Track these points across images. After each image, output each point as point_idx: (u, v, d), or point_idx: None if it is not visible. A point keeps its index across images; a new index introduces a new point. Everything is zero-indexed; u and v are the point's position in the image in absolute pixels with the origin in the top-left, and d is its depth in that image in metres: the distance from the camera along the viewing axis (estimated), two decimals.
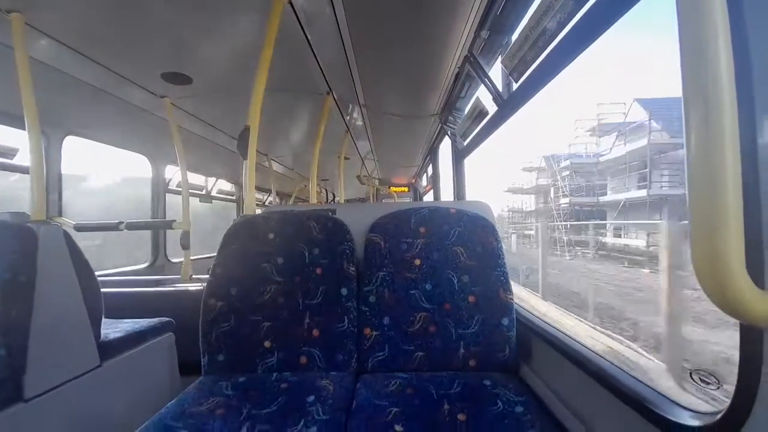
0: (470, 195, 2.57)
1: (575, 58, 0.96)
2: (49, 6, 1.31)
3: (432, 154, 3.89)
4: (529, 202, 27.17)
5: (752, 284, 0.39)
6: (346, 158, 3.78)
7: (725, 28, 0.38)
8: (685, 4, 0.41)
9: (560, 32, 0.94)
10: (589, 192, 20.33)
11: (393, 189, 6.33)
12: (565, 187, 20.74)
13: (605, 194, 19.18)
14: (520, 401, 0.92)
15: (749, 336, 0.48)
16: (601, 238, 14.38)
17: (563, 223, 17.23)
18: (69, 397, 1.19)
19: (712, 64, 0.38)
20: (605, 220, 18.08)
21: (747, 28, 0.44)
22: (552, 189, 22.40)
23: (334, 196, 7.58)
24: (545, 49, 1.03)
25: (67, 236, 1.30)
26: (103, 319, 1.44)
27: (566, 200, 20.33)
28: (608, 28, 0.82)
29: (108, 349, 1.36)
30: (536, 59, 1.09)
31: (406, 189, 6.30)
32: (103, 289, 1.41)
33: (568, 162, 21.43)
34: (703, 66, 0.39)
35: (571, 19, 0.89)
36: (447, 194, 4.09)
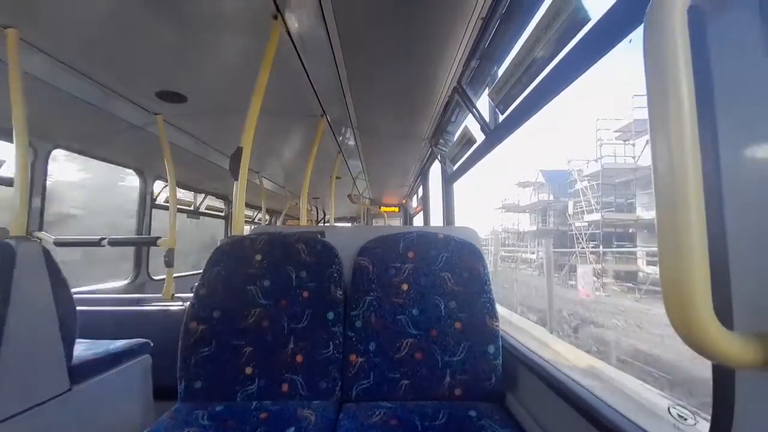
0: (457, 214, 2.59)
1: (560, 92, 1.01)
2: (45, 23, 1.32)
3: (423, 176, 3.95)
4: (524, 222, 24.65)
5: (719, 325, 0.40)
6: (337, 178, 3.81)
7: (687, 70, 0.40)
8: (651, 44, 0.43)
9: (545, 68, 0.99)
10: (621, 207, 15.58)
11: (383, 209, 6.36)
12: (588, 201, 16.02)
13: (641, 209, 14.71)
14: None
15: (720, 375, 0.49)
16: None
17: (593, 249, 13.50)
18: (35, 423, 1.13)
19: (676, 105, 0.40)
20: (635, 242, 14.57)
21: (710, 64, 0.47)
22: (571, 203, 17.94)
23: (324, 214, 7.56)
24: (530, 84, 1.09)
25: (46, 253, 1.26)
26: (79, 340, 1.38)
27: (592, 217, 15.42)
28: (593, 64, 0.86)
29: (79, 372, 1.30)
30: (521, 93, 1.14)
31: (396, 209, 6.34)
32: (80, 308, 1.36)
33: (595, 168, 16.26)
34: (667, 104, 0.40)
35: (555, 56, 0.94)
36: (436, 216, 4.14)
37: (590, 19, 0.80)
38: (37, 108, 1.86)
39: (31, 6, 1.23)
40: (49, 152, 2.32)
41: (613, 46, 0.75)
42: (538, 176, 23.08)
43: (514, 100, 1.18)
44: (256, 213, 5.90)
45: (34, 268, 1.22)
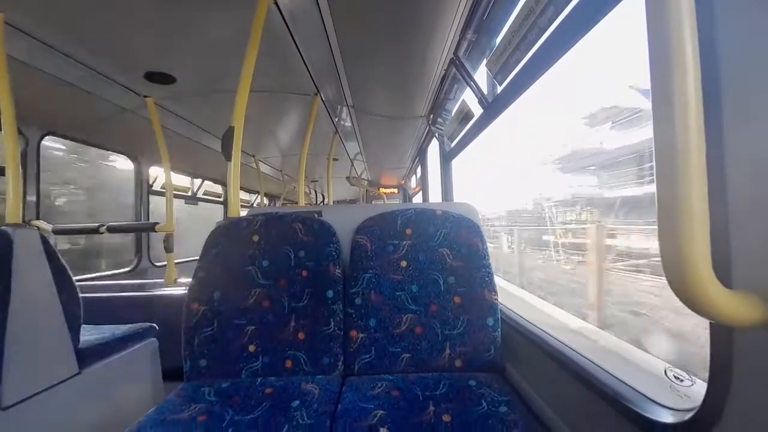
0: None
1: (558, 59, 0.98)
2: (29, 5, 1.27)
3: (421, 156, 3.91)
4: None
5: (718, 283, 0.40)
6: (335, 159, 3.77)
7: (693, 32, 0.39)
8: (654, 10, 0.41)
9: (542, 36, 0.96)
10: None
11: (382, 190, 6.33)
12: None
13: None
14: (505, 401, 0.92)
15: (718, 334, 0.49)
16: None
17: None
18: (47, 405, 1.16)
19: (680, 72, 0.39)
20: None
21: (717, 28, 0.45)
22: None
23: (324, 198, 7.54)
24: (528, 52, 1.05)
25: (45, 240, 1.26)
26: (84, 326, 1.40)
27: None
28: (588, 30, 0.84)
29: (87, 356, 1.33)
30: (519, 62, 1.10)
31: (395, 191, 6.32)
32: (84, 294, 1.38)
33: None
34: (670, 71, 0.39)
35: (551, 24, 0.91)
36: (436, 195, 4.12)
37: None
38: (26, 94, 1.82)
39: None
40: (41, 139, 2.28)
41: (616, 4, 0.72)
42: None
43: (513, 69, 1.15)
44: (254, 197, 5.89)
45: (33, 256, 1.22)
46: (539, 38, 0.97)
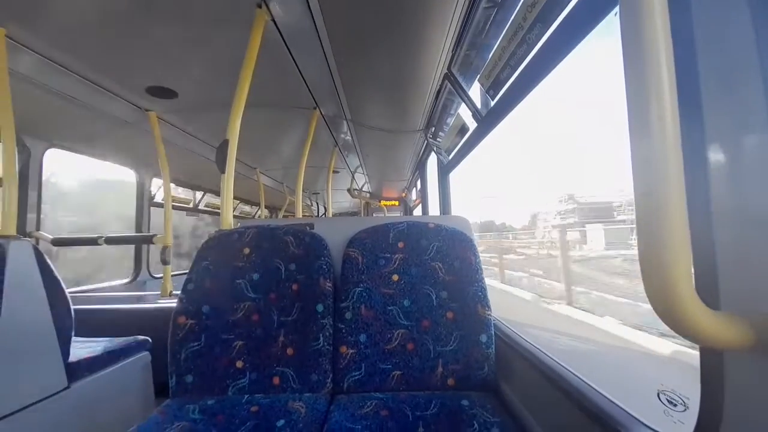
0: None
1: (550, 72, 0.99)
2: (32, 21, 1.31)
3: (420, 169, 3.92)
4: None
5: (703, 306, 0.38)
6: (335, 171, 3.79)
7: (666, 36, 0.38)
8: (627, 17, 0.41)
9: (531, 51, 0.97)
10: None
11: (383, 203, 6.34)
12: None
13: None
14: (497, 422, 0.89)
15: (708, 358, 0.47)
16: None
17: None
18: (34, 420, 1.14)
19: (656, 85, 0.38)
20: None
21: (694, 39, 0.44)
22: None
23: (325, 210, 7.56)
24: (518, 68, 1.06)
25: (38, 252, 1.26)
26: (77, 338, 1.39)
27: None
28: (576, 46, 0.84)
29: (77, 370, 1.31)
30: (510, 77, 1.11)
31: (396, 203, 6.32)
32: (79, 306, 1.37)
33: None
34: (644, 84, 0.38)
35: (539, 39, 0.92)
36: (437, 208, 4.12)
37: None
38: (29, 107, 1.87)
39: (18, 5, 1.22)
40: (44, 152, 2.32)
41: (600, 20, 0.73)
42: None
43: (504, 85, 1.16)
44: (256, 210, 5.91)
45: (26, 268, 1.22)
46: (528, 54, 0.98)
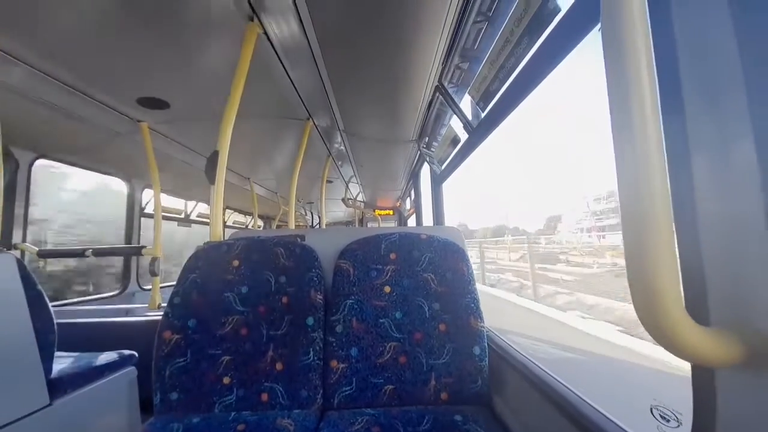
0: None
1: (538, 84, 1.00)
2: (22, 31, 1.30)
3: (414, 179, 3.94)
4: None
5: (692, 322, 0.38)
6: (329, 181, 3.79)
7: (647, 46, 0.38)
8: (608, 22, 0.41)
9: (519, 64, 0.98)
10: None
11: (378, 212, 6.33)
12: None
13: None
14: None
15: (699, 375, 0.46)
16: None
17: None
18: None
19: (640, 106, 0.38)
20: None
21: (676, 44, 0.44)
22: None
23: (320, 219, 7.54)
24: (507, 79, 1.07)
25: (21, 265, 1.23)
26: (60, 353, 1.34)
27: None
28: (562, 59, 0.86)
29: (59, 386, 1.27)
30: (499, 90, 1.12)
31: (390, 212, 6.32)
32: (64, 320, 1.32)
33: None
34: (629, 106, 0.38)
35: (527, 52, 0.93)
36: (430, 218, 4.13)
37: (560, 10, 0.79)
38: (18, 118, 1.84)
39: (6, 15, 1.21)
40: (32, 162, 2.29)
41: (586, 34, 0.74)
42: None
43: (494, 97, 1.17)
44: (250, 220, 5.87)
45: (8, 281, 1.18)
46: (517, 66, 1.00)
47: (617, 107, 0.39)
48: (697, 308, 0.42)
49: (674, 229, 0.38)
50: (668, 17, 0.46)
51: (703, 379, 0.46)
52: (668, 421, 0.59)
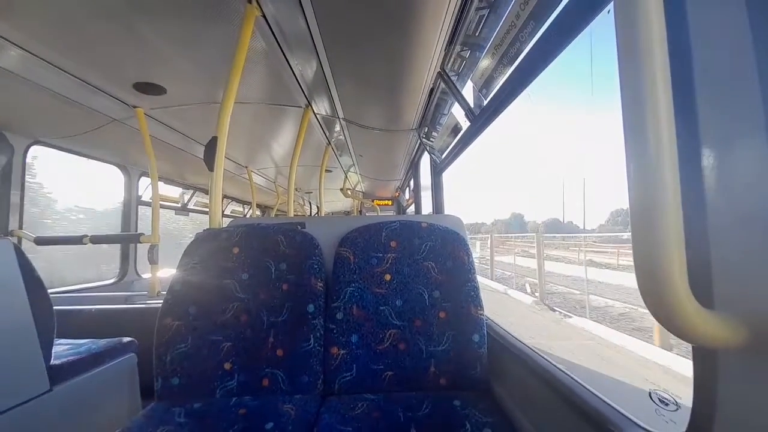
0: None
1: (542, 71, 0.98)
2: (15, 14, 1.26)
3: (413, 168, 3.92)
4: None
5: (697, 304, 0.38)
6: (328, 171, 3.76)
7: (661, 36, 0.37)
8: (623, 21, 0.40)
9: (523, 49, 0.97)
10: None
11: (377, 202, 6.32)
12: None
13: None
14: (489, 422, 0.89)
15: (701, 357, 0.47)
16: None
17: None
18: (14, 424, 1.10)
19: (652, 92, 0.37)
20: None
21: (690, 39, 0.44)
22: None
23: (318, 209, 7.52)
24: (510, 66, 1.06)
25: (19, 251, 1.22)
26: (60, 340, 1.34)
27: None
28: (566, 46, 0.84)
29: (60, 373, 1.27)
30: (503, 75, 1.11)
31: (389, 202, 6.31)
32: (64, 307, 1.32)
33: None
34: (641, 91, 0.38)
35: (532, 37, 0.91)
36: (429, 208, 4.12)
37: None
38: (12, 103, 1.81)
39: None
40: (27, 148, 2.26)
41: (593, 18, 0.72)
42: None
43: (497, 84, 1.15)
44: (247, 209, 5.85)
45: (5, 267, 1.18)
46: (521, 52, 0.98)
47: (629, 90, 0.39)
48: (702, 291, 0.42)
49: (681, 212, 0.38)
50: (683, 7, 0.45)
51: (705, 361, 0.46)
52: (666, 405, 0.60)
